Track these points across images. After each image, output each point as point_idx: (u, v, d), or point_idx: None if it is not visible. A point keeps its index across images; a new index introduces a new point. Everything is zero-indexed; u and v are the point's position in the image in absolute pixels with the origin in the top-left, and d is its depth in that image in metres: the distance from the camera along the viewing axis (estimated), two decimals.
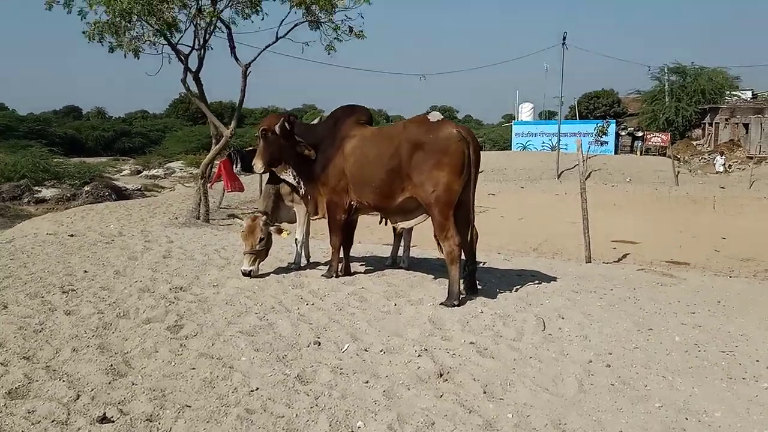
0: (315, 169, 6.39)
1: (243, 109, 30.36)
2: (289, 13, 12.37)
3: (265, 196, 6.96)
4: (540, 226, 14.04)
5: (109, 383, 3.79)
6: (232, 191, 14.36)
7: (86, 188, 22.61)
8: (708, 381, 4.02)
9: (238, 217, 6.90)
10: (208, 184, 13.39)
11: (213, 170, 14.40)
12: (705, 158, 37.17)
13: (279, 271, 6.77)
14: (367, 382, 3.89)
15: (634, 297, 6.15)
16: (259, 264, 6.48)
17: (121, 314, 5.11)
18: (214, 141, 13.32)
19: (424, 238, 8.34)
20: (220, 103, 54.58)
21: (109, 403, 3.54)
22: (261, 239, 6.41)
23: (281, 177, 6.70)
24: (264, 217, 6.49)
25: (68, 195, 21.77)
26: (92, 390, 3.70)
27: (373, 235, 11.22)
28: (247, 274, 6.33)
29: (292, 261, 7.04)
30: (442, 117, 5.75)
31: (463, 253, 5.74)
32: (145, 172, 35.49)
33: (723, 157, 33.44)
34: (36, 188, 22.24)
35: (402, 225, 6.22)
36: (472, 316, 5.22)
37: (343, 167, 6.13)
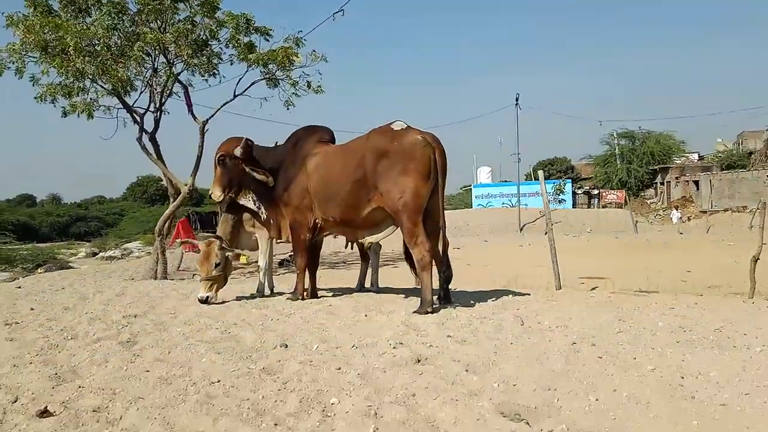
0: (276, 190, 6.19)
1: (202, 190, 30.04)
2: (246, 71, 12.33)
3: (223, 221, 6.59)
4: (507, 270, 13.83)
5: (53, 387, 3.41)
6: (189, 251, 13.93)
7: (39, 270, 21.82)
8: (699, 350, 3.83)
9: (193, 243, 6.56)
10: (167, 242, 12.95)
11: (172, 230, 13.99)
12: (660, 214, 38.10)
13: (241, 298, 6.41)
14: (339, 368, 3.58)
15: (610, 301, 5.99)
16: (216, 291, 6.12)
17: (69, 337, 4.71)
18: (171, 199, 12.91)
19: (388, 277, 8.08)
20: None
21: (51, 402, 3.15)
22: (217, 264, 6.08)
23: (240, 203, 6.48)
24: (218, 242, 6.17)
25: (21, 278, 20.96)
26: (33, 394, 3.31)
27: (338, 283, 10.89)
28: (204, 300, 5.96)
29: (255, 291, 6.70)
30: (406, 125, 5.64)
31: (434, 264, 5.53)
32: (101, 254, 34.41)
33: (678, 210, 34.34)
34: None
35: (370, 239, 5.99)
36: (447, 319, 4.96)
37: (307, 185, 5.95)
